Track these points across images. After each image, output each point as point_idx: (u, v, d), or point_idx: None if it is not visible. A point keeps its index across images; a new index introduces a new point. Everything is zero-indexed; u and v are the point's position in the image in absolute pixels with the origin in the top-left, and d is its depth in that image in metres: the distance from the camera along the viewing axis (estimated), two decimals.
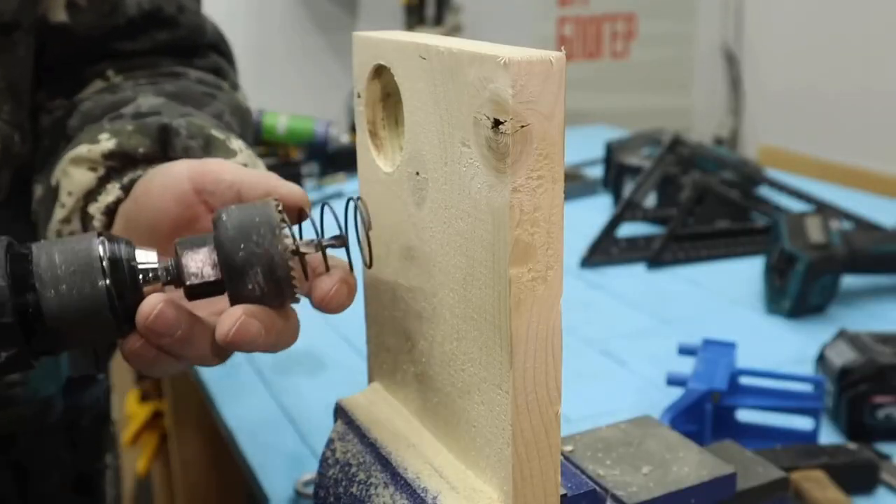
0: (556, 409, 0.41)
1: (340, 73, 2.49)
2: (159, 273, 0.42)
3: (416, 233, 0.46)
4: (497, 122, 0.37)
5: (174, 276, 0.43)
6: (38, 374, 0.64)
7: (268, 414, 0.87)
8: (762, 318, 1.06)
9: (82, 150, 0.56)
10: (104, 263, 0.40)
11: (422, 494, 0.45)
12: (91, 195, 0.55)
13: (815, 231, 1.05)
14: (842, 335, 0.84)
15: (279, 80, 2.49)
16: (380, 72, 0.49)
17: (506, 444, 0.41)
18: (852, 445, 0.73)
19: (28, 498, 0.74)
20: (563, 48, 0.38)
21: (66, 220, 0.56)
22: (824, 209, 1.33)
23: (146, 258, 0.42)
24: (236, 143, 0.58)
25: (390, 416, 0.52)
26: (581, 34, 2.81)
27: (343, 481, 0.50)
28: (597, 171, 1.72)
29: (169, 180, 0.49)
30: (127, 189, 0.54)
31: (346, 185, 1.73)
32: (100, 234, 0.41)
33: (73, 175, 0.56)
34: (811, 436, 0.75)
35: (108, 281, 0.40)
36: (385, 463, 0.48)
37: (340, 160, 1.82)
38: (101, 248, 0.41)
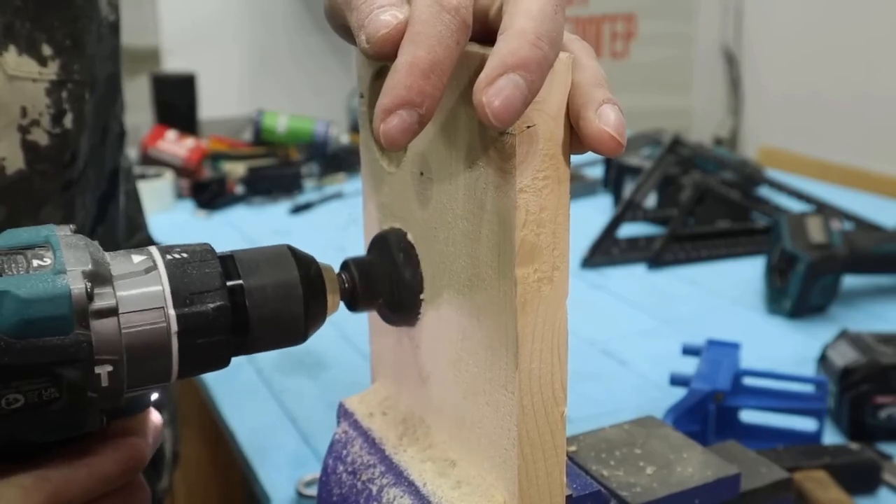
0: (561, 410, 0.41)
1: (341, 73, 2.49)
2: (338, 286, 0.45)
3: (421, 233, 0.46)
4: None
5: (348, 289, 0.45)
6: None
7: (269, 414, 0.87)
8: (763, 319, 1.06)
9: None
10: (300, 272, 0.42)
11: (426, 495, 0.44)
12: None
13: (815, 231, 1.05)
14: (843, 335, 0.84)
15: (279, 80, 2.49)
16: (383, 72, 0.48)
17: (511, 445, 0.41)
18: (854, 446, 0.73)
19: None
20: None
21: None
22: (825, 209, 1.33)
23: (327, 271, 0.44)
24: None
25: (394, 416, 0.52)
26: (581, 34, 2.79)
27: (347, 482, 0.50)
28: (597, 172, 1.72)
29: None
30: None
31: (346, 185, 1.73)
32: (289, 248, 0.43)
33: None
34: (814, 436, 0.75)
35: (303, 289, 0.42)
36: (389, 463, 0.48)
37: (340, 160, 1.81)
38: (294, 259, 0.42)
